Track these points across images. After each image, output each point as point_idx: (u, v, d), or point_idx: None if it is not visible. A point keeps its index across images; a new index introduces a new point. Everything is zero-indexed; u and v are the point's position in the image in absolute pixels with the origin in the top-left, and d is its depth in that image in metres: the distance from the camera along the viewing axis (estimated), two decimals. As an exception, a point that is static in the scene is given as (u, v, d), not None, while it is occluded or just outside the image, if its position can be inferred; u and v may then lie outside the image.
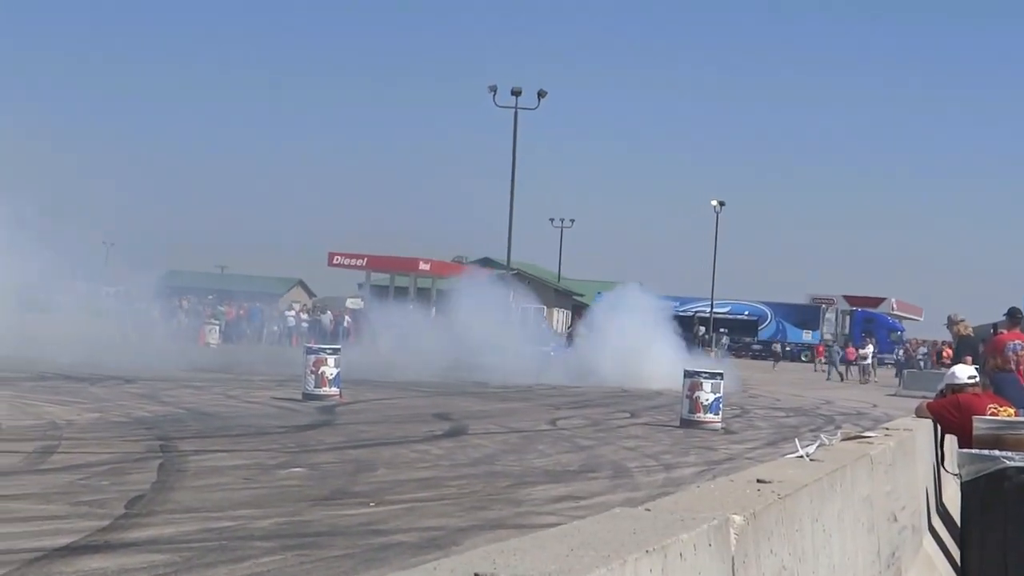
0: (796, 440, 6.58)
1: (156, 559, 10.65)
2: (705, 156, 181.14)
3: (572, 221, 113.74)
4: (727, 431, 28.45)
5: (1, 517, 12.37)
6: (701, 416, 28.83)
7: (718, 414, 29.13)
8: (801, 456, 6.40)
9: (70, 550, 10.84)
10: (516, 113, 70.09)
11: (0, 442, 18.91)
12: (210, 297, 73.93)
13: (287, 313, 79.22)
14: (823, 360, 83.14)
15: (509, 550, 2.94)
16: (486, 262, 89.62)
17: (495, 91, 70.54)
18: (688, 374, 29.61)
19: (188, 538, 11.79)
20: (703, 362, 43.38)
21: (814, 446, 6.97)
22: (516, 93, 69.98)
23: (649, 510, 3.87)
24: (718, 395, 29.17)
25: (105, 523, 12.33)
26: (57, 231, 49.34)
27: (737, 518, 3.99)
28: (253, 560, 10.84)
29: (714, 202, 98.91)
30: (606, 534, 3.29)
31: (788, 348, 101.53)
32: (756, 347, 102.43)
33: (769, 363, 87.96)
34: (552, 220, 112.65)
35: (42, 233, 47.01)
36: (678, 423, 28.95)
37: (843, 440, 8.24)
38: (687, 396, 29.24)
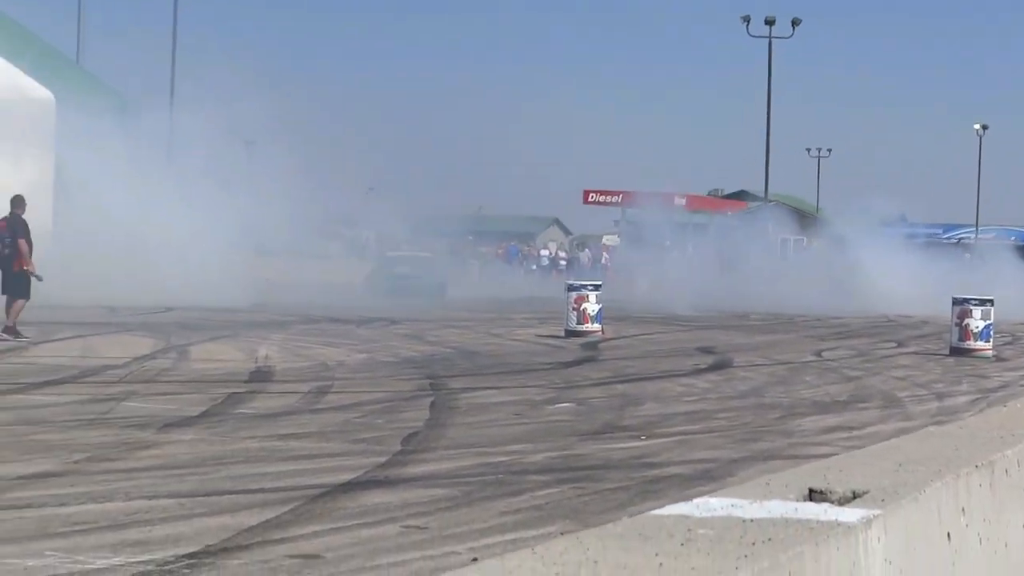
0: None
1: (436, 493, 10.80)
2: (965, 79, 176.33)
3: (829, 151, 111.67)
4: (999, 359, 27.76)
5: (284, 455, 12.69)
6: (971, 344, 28.13)
7: (989, 341, 28.41)
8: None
9: (352, 485, 11.07)
10: (770, 42, 69.56)
11: (276, 383, 19.42)
12: (469, 238, 74.74)
13: (542, 252, 79.75)
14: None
15: (835, 467, 2.88)
16: (742, 194, 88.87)
17: (748, 21, 69.91)
18: (957, 301, 28.89)
19: (465, 473, 11.94)
20: None
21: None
22: (770, 22, 69.35)
23: (963, 428, 3.76)
24: (988, 322, 28.42)
25: (383, 459, 12.55)
26: (319, 178, 50.40)
27: (1055, 435, 3.85)
28: (530, 493, 10.93)
29: (977, 126, 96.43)
30: (928, 450, 3.19)
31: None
32: None
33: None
34: (808, 150, 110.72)
35: (306, 180, 48.03)
36: (947, 352, 28.32)
37: None
38: (956, 324, 28.55)
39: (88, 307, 32.75)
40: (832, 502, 2.51)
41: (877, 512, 2.44)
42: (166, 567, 8.11)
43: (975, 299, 28.94)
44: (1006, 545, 3.17)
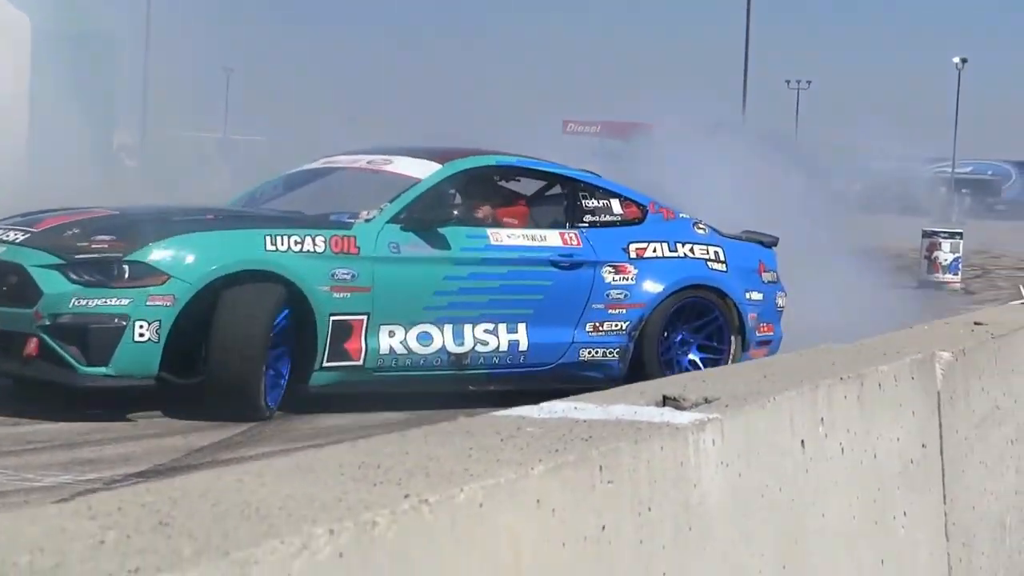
0: (1021, 287, 6.45)
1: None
2: (946, 12, 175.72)
3: (809, 82, 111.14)
4: (967, 291, 27.85)
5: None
6: (940, 276, 28.34)
7: (957, 274, 28.61)
8: (1025, 303, 6.26)
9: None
10: (750, -29, 69.31)
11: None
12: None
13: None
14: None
15: (700, 377, 2.98)
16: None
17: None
18: (926, 234, 29.07)
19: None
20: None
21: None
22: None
23: (855, 346, 3.86)
24: (957, 255, 28.58)
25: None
26: (299, 106, 49.96)
27: (945, 354, 3.95)
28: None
29: (956, 59, 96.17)
30: (804, 364, 3.30)
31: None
32: (1000, 208, 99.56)
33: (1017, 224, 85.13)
34: (788, 82, 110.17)
35: (285, 108, 47.68)
36: (916, 285, 28.33)
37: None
38: (925, 257, 28.74)
39: None
40: (684, 408, 2.60)
41: (714, 416, 2.53)
42: (113, 485, 8.20)
43: (944, 232, 29.15)
44: (875, 456, 3.27)
